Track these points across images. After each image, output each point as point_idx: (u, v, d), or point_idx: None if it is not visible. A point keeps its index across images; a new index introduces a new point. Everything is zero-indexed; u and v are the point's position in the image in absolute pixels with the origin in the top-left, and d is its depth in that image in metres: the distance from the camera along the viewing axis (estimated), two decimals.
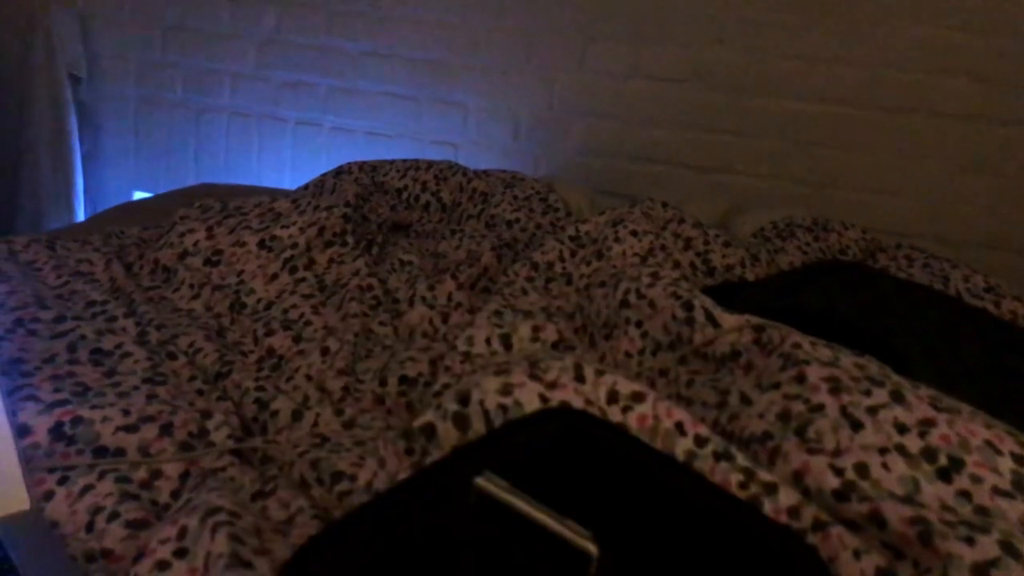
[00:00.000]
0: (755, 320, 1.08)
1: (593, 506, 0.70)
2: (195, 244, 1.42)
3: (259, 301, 1.32)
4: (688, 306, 1.14)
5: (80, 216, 2.79)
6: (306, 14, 2.62)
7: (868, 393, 0.86)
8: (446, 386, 1.00)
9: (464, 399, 0.83)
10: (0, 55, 2.68)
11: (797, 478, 0.80)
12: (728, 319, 1.10)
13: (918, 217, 2.27)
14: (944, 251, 1.82)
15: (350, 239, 1.50)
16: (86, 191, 2.85)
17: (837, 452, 0.80)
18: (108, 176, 2.94)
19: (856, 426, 0.82)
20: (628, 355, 1.17)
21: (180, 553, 0.69)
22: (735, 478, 0.78)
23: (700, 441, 0.81)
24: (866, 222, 1.98)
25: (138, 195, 2.81)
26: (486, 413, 0.82)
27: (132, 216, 1.75)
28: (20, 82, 2.68)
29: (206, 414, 0.96)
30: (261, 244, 1.41)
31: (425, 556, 0.65)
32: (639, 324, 1.19)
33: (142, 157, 2.90)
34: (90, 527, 0.78)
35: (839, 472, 0.78)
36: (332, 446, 0.93)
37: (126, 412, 0.91)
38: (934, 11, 2.13)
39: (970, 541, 0.67)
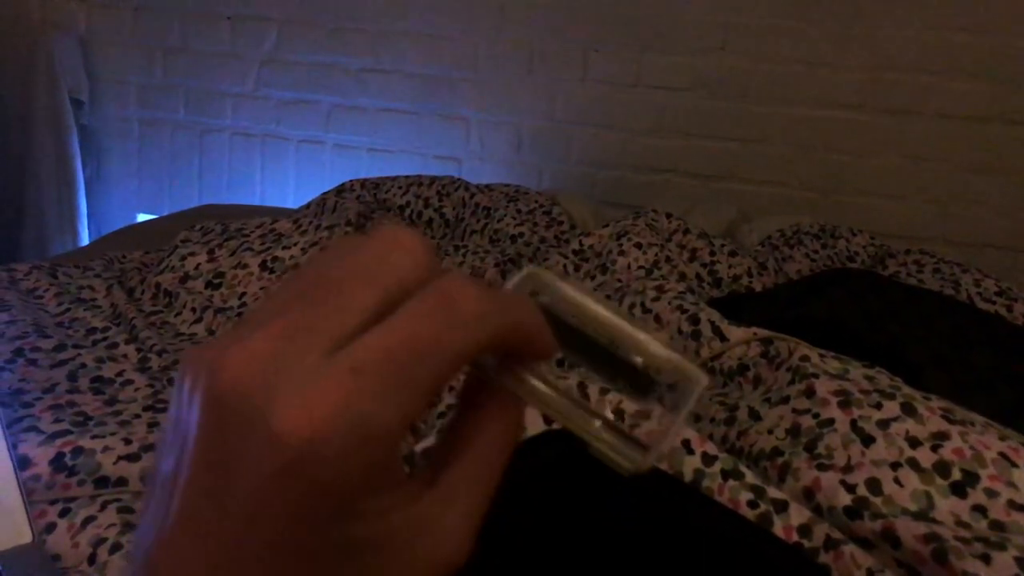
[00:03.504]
0: (763, 333, 1.06)
1: (596, 530, 0.69)
2: (196, 267, 1.41)
3: None
4: (694, 319, 1.12)
5: (85, 240, 2.79)
6: (306, 32, 2.62)
7: (879, 406, 0.84)
8: (451, 407, 0.99)
9: None
10: (2, 81, 2.69)
11: (808, 495, 0.79)
12: (735, 332, 1.09)
13: (927, 220, 2.25)
14: (955, 253, 1.80)
15: None
16: (90, 214, 2.86)
17: (848, 468, 0.79)
18: (112, 199, 2.94)
19: (867, 440, 0.81)
20: None
21: None
22: (744, 497, 0.77)
23: (708, 459, 0.80)
24: (875, 226, 1.97)
25: (142, 217, 2.81)
26: None
27: (135, 239, 1.75)
28: (22, 107, 2.69)
29: None
30: (263, 265, 1.41)
31: None
32: None
33: (145, 179, 2.90)
34: (92, 559, 0.77)
35: (851, 488, 0.77)
36: None
37: (127, 441, 0.90)
38: (936, 12, 2.12)
39: (986, 559, 0.66)
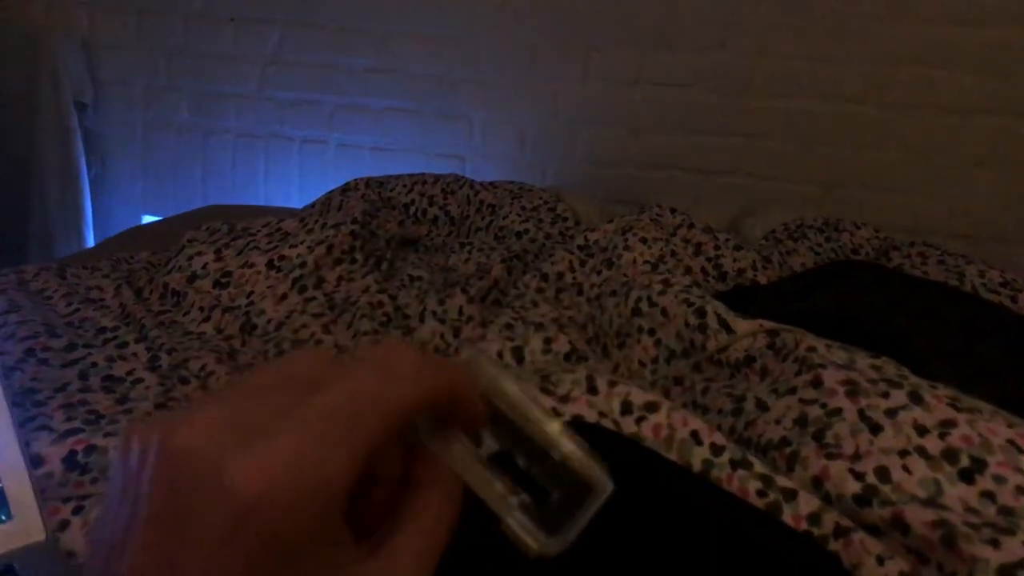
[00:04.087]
0: (769, 324, 1.07)
1: (605, 524, 0.69)
2: (204, 267, 1.42)
3: (269, 322, 1.32)
4: (700, 312, 1.13)
5: (90, 242, 2.80)
6: (308, 33, 2.62)
7: (886, 395, 0.84)
8: None
9: None
10: (6, 84, 2.70)
11: (817, 484, 0.79)
12: (741, 324, 1.09)
13: (930, 213, 2.25)
14: (958, 247, 1.80)
15: (359, 256, 1.50)
16: (95, 217, 2.87)
17: (856, 456, 0.79)
18: (116, 201, 2.95)
19: (875, 429, 0.81)
20: (642, 364, 1.16)
21: None
22: (753, 486, 0.77)
23: (716, 450, 0.81)
24: (878, 220, 1.97)
25: (147, 219, 2.82)
26: None
27: (141, 240, 1.76)
28: (26, 110, 2.69)
29: None
30: (270, 264, 1.41)
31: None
32: (652, 332, 1.18)
33: (150, 181, 2.91)
34: None
35: (859, 476, 0.77)
36: None
37: None
38: (936, 6, 2.12)
39: (995, 543, 0.66)
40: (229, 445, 0.25)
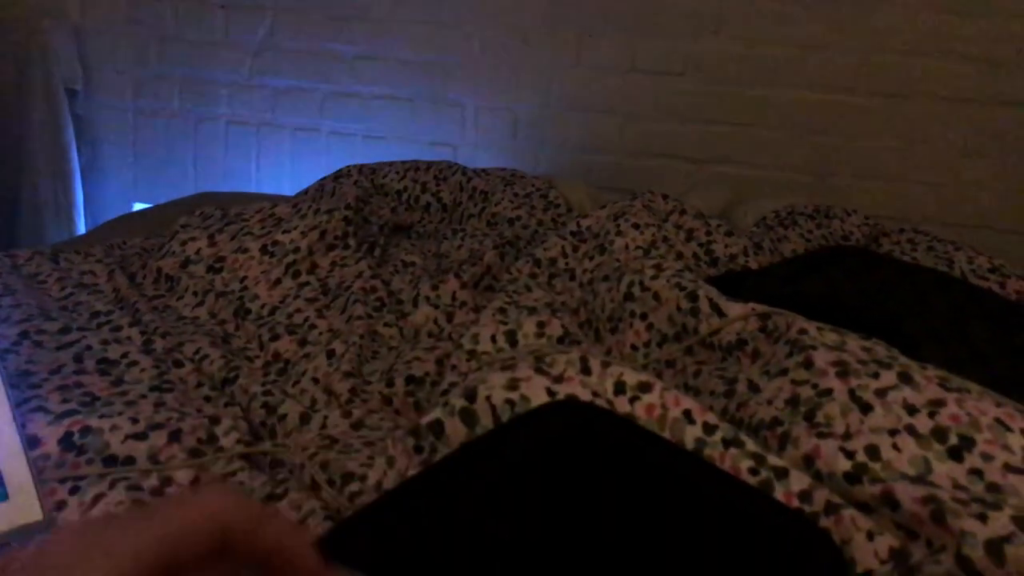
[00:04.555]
0: (760, 308, 1.08)
1: (602, 499, 0.70)
2: (197, 252, 1.42)
3: (263, 306, 1.32)
4: (692, 296, 1.14)
5: (81, 229, 2.79)
6: (300, 20, 2.62)
7: (876, 376, 0.86)
8: (453, 384, 1.00)
9: (471, 395, 0.83)
10: None
11: (808, 462, 0.80)
12: (733, 308, 1.10)
13: (920, 201, 2.26)
14: (948, 234, 1.82)
15: (352, 242, 1.50)
16: (86, 203, 2.85)
17: (847, 435, 0.80)
18: (107, 188, 2.94)
19: (865, 409, 0.82)
20: (634, 348, 1.17)
21: None
22: (745, 464, 0.78)
23: (709, 428, 0.81)
24: (868, 208, 1.98)
25: (138, 206, 2.81)
26: (493, 409, 0.82)
27: (133, 226, 1.76)
28: (17, 97, 2.68)
29: (214, 420, 0.96)
30: (263, 250, 1.41)
31: (432, 551, 0.65)
32: (644, 316, 1.19)
33: (141, 168, 2.90)
34: None
35: (850, 455, 0.78)
36: (341, 447, 0.93)
37: (134, 420, 0.92)
38: None
39: (983, 518, 0.67)
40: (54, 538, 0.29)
